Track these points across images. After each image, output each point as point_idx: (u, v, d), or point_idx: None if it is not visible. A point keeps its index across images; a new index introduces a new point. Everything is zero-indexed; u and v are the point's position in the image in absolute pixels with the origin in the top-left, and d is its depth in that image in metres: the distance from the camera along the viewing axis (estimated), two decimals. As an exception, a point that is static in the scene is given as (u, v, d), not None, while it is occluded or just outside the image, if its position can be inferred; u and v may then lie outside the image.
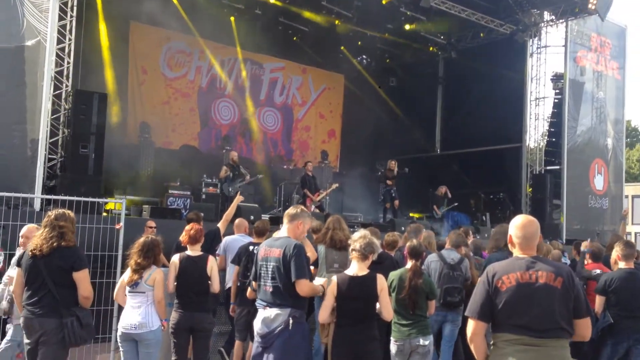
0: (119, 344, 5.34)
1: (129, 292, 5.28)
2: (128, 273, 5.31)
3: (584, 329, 3.42)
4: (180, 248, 6.15)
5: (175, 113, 16.13)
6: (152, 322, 5.21)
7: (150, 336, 5.20)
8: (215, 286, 5.79)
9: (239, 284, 6.65)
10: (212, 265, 5.81)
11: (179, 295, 5.71)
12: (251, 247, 6.66)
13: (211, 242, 7.08)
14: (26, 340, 4.55)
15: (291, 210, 4.77)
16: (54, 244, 4.47)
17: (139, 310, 5.21)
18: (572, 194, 16.24)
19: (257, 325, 4.51)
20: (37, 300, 4.47)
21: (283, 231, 4.72)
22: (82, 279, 4.53)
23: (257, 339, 4.54)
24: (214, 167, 14.26)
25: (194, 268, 5.71)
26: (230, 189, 12.42)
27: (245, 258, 6.58)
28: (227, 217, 7.23)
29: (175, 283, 5.67)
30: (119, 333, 5.32)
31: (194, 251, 5.80)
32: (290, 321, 4.40)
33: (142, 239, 5.39)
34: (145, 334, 5.17)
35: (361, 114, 18.66)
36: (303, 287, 4.41)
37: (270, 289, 4.47)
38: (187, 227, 5.94)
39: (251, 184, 13.21)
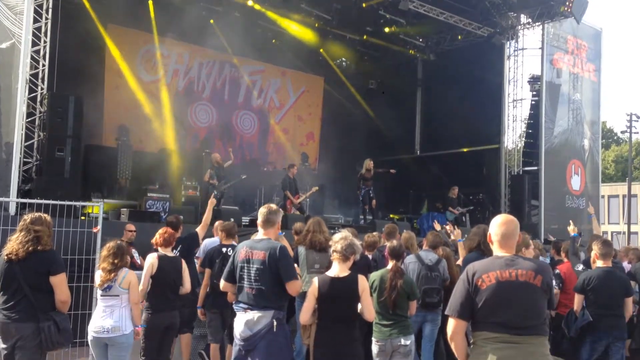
0: (91, 349, 5.27)
1: (102, 295, 5.23)
2: (100, 276, 5.23)
3: None
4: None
5: (150, 117, 15.94)
6: (125, 326, 5.16)
7: (123, 340, 5.15)
8: (187, 286, 5.95)
9: (210, 287, 6.61)
10: (185, 267, 6.00)
11: (154, 295, 5.71)
12: (224, 249, 6.63)
13: (189, 246, 7.02)
14: (2, 345, 4.46)
15: (266, 211, 4.69)
16: (30, 248, 4.41)
17: (112, 313, 5.15)
18: (550, 195, 16.45)
19: (239, 328, 4.46)
20: (13, 305, 4.40)
21: (261, 233, 4.67)
22: (59, 283, 4.47)
23: (238, 342, 4.48)
24: (193, 170, 14.17)
25: (172, 267, 5.81)
26: (215, 192, 12.35)
27: (219, 260, 6.53)
28: (206, 221, 7.18)
29: (150, 282, 5.66)
30: (89, 337, 5.22)
31: (168, 252, 5.91)
32: (274, 323, 4.38)
33: (111, 243, 5.35)
34: (118, 337, 5.12)
35: (340, 117, 18.70)
36: (295, 286, 4.51)
37: (254, 292, 4.43)
38: (161, 230, 6.03)
39: (232, 186, 13.14)
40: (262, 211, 4.73)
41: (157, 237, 5.94)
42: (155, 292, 5.69)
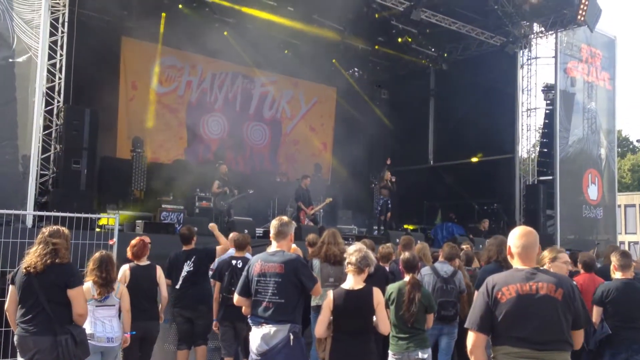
0: None
1: (97, 305, 5.29)
2: (93, 287, 5.28)
3: (578, 338, 3.42)
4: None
5: (163, 129, 16.06)
6: (120, 335, 5.40)
7: (118, 348, 5.42)
8: (163, 293, 6.18)
9: (221, 299, 6.60)
10: (160, 274, 6.21)
11: (130, 305, 5.72)
12: (234, 262, 6.62)
13: (202, 260, 7.00)
14: (20, 359, 4.47)
15: (277, 224, 4.69)
16: (48, 261, 4.43)
17: (111, 323, 5.31)
18: (566, 204, 16.27)
19: (256, 342, 4.44)
20: (31, 318, 4.42)
21: (275, 246, 4.67)
22: (77, 296, 4.49)
23: (255, 356, 4.46)
24: (207, 182, 14.20)
25: (145, 276, 6.07)
26: (222, 203, 12.40)
27: (228, 273, 6.52)
28: (224, 245, 7.13)
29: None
30: None
31: (142, 262, 6.14)
32: (291, 337, 4.37)
33: (97, 255, 5.41)
34: (117, 347, 5.36)
35: (353, 127, 18.69)
36: (317, 289, 4.70)
37: (271, 305, 4.42)
38: (132, 242, 6.20)
39: (244, 198, 13.16)
40: (274, 224, 4.73)
41: (128, 251, 6.13)
42: (131, 302, 5.71)
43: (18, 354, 4.51)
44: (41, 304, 4.39)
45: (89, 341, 4.96)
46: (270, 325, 4.40)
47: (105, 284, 5.28)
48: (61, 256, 4.51)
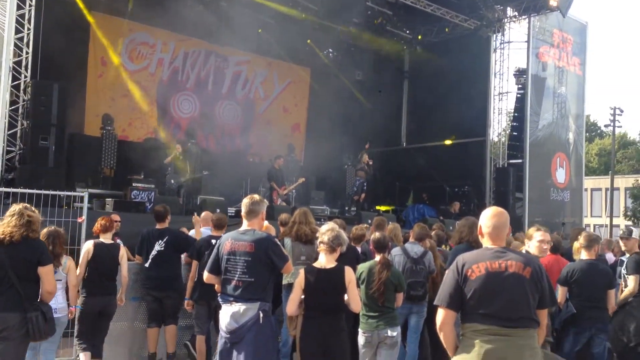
0: None
1: None
2: None
3: (543, 318, 3.50)
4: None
5: (133, 107, 15.79)
6: (65, 307, 5.65)
7: (65, 320, 5.67)
8: (124, 272, 6.33)
9: (198, 278, 6.58)
10: (123, 253, 6.37)
11: (89, 280, 6.08)
12: (213, 241, 6.59)
13: (175, 243, 6.94)
14: None
15: (249, 202, 4.64)
16: (24, 233, 4.35)
17: (56, 296, 5.33)
18: (534, 187, 16.59)
19: (225, 320, 4.42)
20: None
21: (245, 225, 4.62)
22: (48, 273, 4.45)
23: (224, 334, 4.44)
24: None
25: (107, 254, 6.21)
26: (172, 181, 12.24)
27: (208, 253, 6.49)
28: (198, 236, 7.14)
29: (87, 268, 6.08)
30: None
31: (106, 239, 6.29)
32: (261, 315, 4.36)
33: (45, 230, 5.42)
34: (63, 317, 5.59)
35: (327, 108, 18.63)
36: (288, 267, 4.62)
37: (241, 284, 4.40)
38: (100, 218, 6.42)
39: (198, 180, 12.92)
40: (245, 202, 4.67)
41: (96, 225, 6.34)
42: (90, 278, 6.06)
43: None
44: (10, 280, 4.30)
45: None
46: (240, 304, 4.38)
47: (54, 258, 5.31)
48: (34, 230, 4.45)
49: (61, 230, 5.66)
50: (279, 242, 4.67)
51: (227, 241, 4.56)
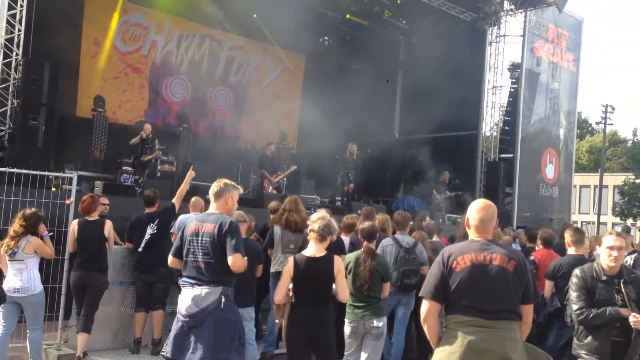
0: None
1: (9, 260, 5.71)
2: (5, 241, 5.73)
3: (528, 314, 3.51)
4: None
5: (124, 89, 15.67)
6: (34, 286, 5.70)
7: (33, 299, 5.70)
8: (110, 246, 6.60)
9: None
10: (109, 228, 6.58)
11: (78, 255, 6.45)
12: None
13: (166, 218, 6.93)
14: None
15: (215, 187, 4.55)
16: None
17: (20, 276, 5.65)
18: (524, 182, 16.64)
19: (185, 303, 4.26)
20: None
21: (213, 208, 4.53)
22: None
23: (182, 318, 4.28)
24: (170, 145, 14.01)
25: (91, 230, 6.46)
26: (135, 161, 12.04)
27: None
28: (181, 193, 6.90)
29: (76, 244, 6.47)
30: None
31: (91, 217, 6.54)
32: (223, 299, 4.23)
33: (23, 211, 5.80)
34: (28, 297, 5.66)
35: (321, 96, 18.55)
36: (237, 261, 4.23)
37: (203, 265, 4.27)
38: (83, 198, 6.63)
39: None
40: (213, 185, 4.57)
41: (80, 206, 6.53)
42: (78, 252, 6.46)
43: None
44: None
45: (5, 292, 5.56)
46: (202, 287, 4.24)
47: (13, 238, 5.68)
48: None
49: (35, 211, 5.89)
50: (239, 232, 4.44)
51: (192, 223, 4.45)
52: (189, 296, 4.25)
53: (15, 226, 5.70)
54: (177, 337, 4.28)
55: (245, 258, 4.35)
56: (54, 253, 6.05)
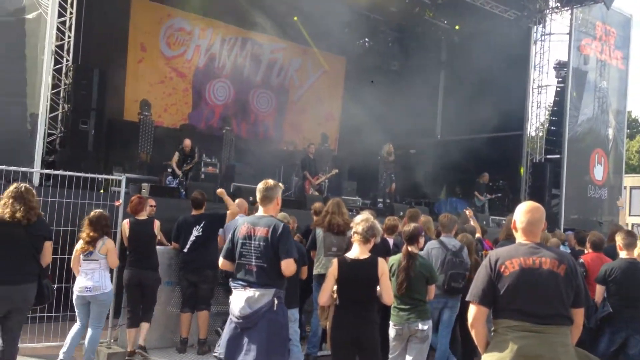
0: (75, 306, 5.97)
1: (84, 259, 5.93)
2: (81, 244, 5.93)
3: (580, 317, 3.44)
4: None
5: (169, 93, 16.00)
6: (105, 285, 5.93)
7: (104, 297, 5.93)
8: (163, 242, 6.97)
9: None
10: (158, 227, 6.81)
11: (130, 253, 6.64)
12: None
13: (212, 225, 7.04)
14: None
15: (263, 189, 4.54)
16: None
17: (92, 275, 5.88)
18: (571, 184, 16.22)
19: (239, 305, 4.31)
20: None
21: (262, 210, 4.54)
22: None
23: (235, 319, 4.33)
24: (214, 147, 14.21)
25: (142, 230, 6.66)
26: (171, 177, 12.07)
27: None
28: (232, 210, 7.04)
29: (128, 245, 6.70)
30: (74, 296, 5.94)
31: (140, 217, 6.75)
32: (275, 302, 4.28)
33: (90, 214, 6.01)
34: (99, 295, 5.88)
35: (361, 98, 18.51)
36: (289, 266, 4.29)
37: (255, 269, 4.32)
38: (131, 199, 6.83)
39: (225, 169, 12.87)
40: (259, 187, 4.57)
41: (129, 207, 6.75)
42: (130, 251, 6.64)
43: None
44: None
45: (76, 291, 5.87)
46: (255, 289, 4.28)
47: (89, 242, 5.89)
48: None
49: (102, 213, 6.08)
50: (291, 236, 4.48)
51: (243, 226, 4.48)
52: (242, 298, 4.31)
53: (88, 231, 5.90)
54: (230, 339, 4.34)
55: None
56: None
